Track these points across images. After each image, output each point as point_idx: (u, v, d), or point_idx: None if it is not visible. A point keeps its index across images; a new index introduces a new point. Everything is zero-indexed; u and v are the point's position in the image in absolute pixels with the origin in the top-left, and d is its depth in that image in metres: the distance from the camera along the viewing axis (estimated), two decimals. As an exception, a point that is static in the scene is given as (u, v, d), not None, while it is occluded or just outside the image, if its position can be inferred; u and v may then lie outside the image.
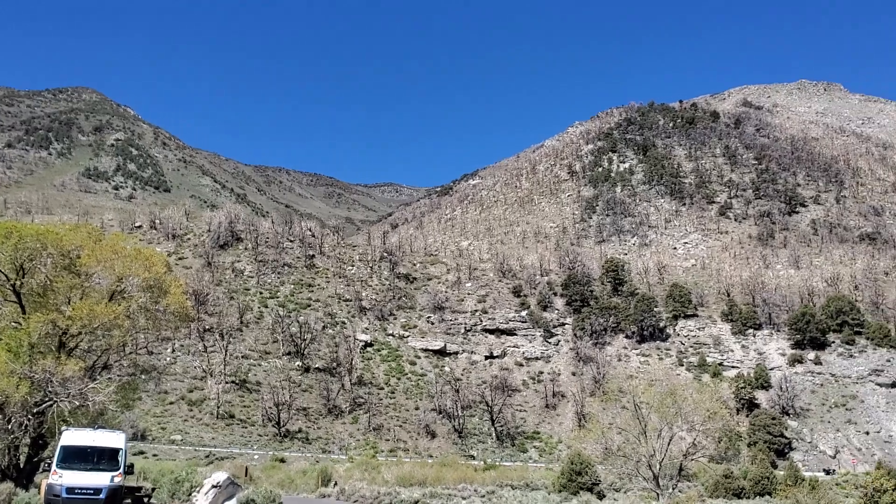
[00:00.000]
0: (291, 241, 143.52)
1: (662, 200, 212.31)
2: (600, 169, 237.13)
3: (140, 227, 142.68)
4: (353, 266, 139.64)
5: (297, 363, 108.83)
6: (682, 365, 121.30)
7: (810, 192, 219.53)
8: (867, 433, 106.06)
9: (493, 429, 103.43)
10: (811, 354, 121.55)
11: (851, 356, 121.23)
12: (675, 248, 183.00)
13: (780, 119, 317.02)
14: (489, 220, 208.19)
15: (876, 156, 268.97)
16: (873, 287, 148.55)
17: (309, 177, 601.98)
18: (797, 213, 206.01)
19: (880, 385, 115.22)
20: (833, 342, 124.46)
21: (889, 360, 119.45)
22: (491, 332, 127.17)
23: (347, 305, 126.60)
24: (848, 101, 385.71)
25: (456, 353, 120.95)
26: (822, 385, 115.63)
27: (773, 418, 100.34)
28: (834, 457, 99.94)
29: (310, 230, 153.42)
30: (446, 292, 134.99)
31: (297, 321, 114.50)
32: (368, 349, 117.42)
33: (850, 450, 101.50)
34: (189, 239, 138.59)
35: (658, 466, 47.16)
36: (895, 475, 47.80)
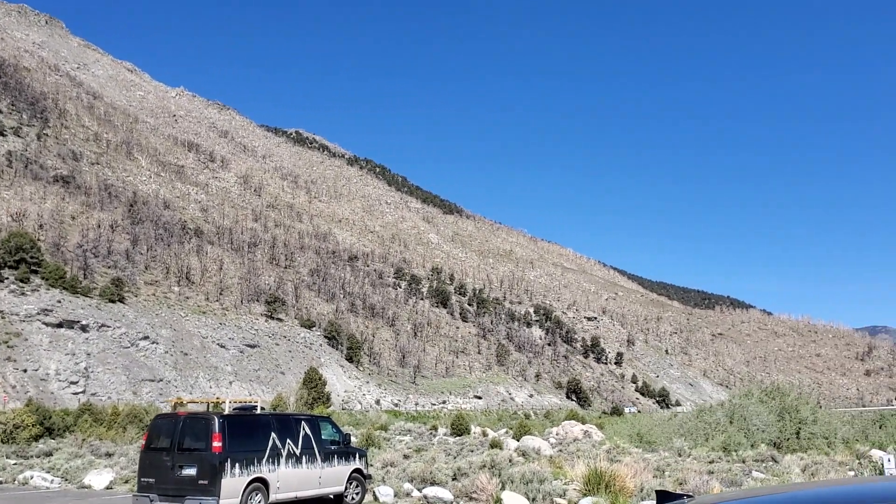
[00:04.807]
0: None
1: None
2: None
3: None
4: None
5: None
6: None
7: (12, 123, 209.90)
8: (25, 371, 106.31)
9: None
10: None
11: (24, 294, 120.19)
12: None
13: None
14: None
15: (85, 103, 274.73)
16: (59, 229, 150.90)
17: None
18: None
19: (47, 324, 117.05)
20: (8, 278, 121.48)
21: (60, 301, 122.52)
22: None
23: None
24: (68, 42, 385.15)
25: None
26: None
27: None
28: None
29: None
30: None
31: None
32: None
33: (4, 387, 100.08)
34: None
35: None
36: (42, 411, 48.57)
